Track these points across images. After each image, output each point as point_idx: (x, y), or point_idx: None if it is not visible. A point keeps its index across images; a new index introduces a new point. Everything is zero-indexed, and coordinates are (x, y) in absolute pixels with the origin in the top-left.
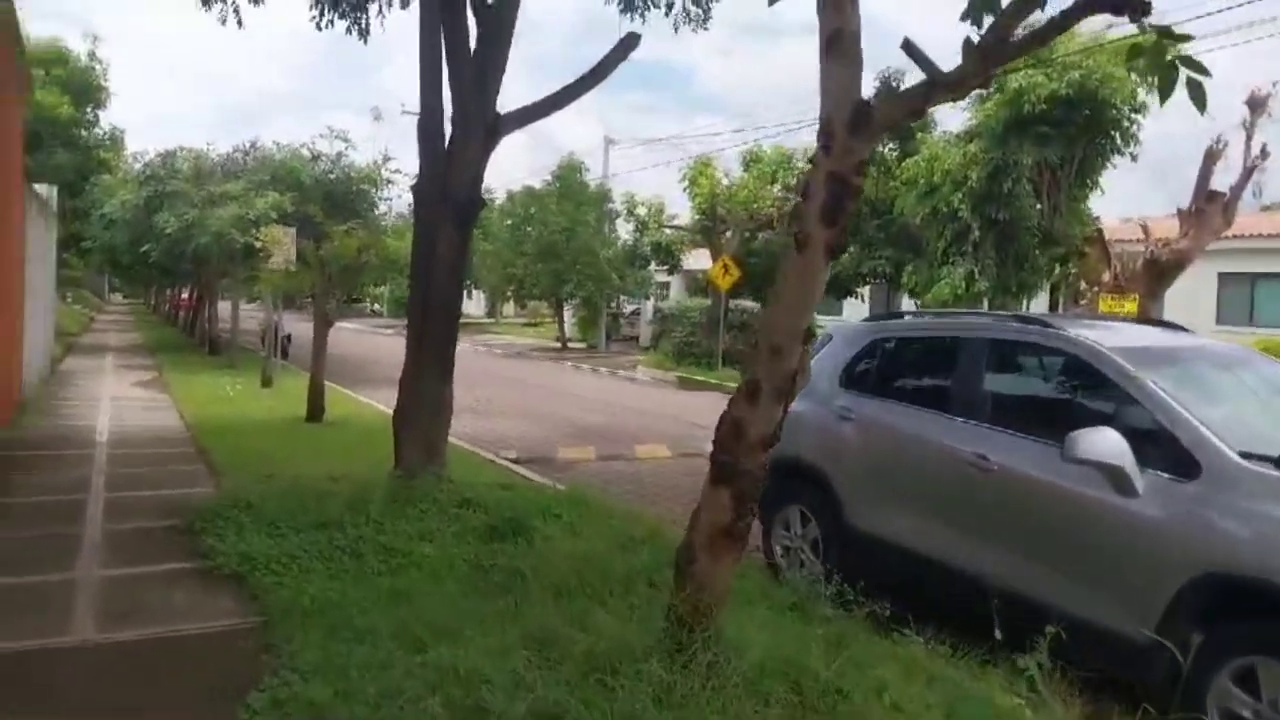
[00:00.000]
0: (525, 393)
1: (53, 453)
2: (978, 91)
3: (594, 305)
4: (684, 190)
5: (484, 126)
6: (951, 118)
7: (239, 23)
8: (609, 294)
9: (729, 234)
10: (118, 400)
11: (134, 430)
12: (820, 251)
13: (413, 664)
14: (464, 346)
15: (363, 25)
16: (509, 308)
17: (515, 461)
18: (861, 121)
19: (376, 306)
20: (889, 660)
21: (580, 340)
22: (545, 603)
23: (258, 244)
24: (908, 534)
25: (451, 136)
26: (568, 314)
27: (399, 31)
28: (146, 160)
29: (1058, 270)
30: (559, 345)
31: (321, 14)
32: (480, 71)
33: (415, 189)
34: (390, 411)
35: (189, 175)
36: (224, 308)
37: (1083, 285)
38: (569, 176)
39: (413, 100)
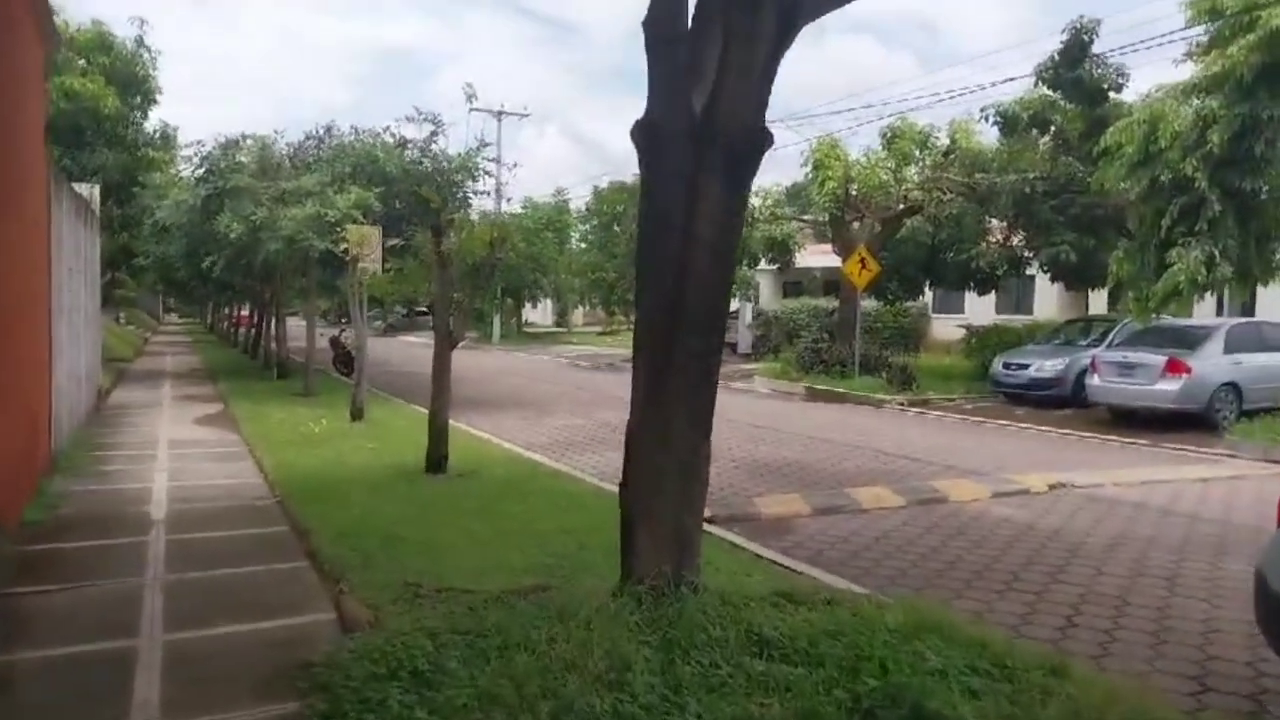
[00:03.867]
0: None
1: (88, 544)
2: (1200, 38)
3: None
4: (808, 175)
5: (778, 11)
6: (1161, 73)
7: None
8: None
9: (857, 224)
10: (178, 446)
11: (201, 497)
12: None
13: None
14: (543, 358)
15: None
16: (578, 315)
17: (711, 521)
18: None
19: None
20: None
21: None
22: None
23: (340, 248)
24: None
25: (724, 35)
26: None
27: (454, 32)
28: (204, 152)
29: None
30: None
31: None
32: None
33: (642, 125)
34: (518, 449)
35: (254, 169)
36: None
37: None
38: None
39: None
